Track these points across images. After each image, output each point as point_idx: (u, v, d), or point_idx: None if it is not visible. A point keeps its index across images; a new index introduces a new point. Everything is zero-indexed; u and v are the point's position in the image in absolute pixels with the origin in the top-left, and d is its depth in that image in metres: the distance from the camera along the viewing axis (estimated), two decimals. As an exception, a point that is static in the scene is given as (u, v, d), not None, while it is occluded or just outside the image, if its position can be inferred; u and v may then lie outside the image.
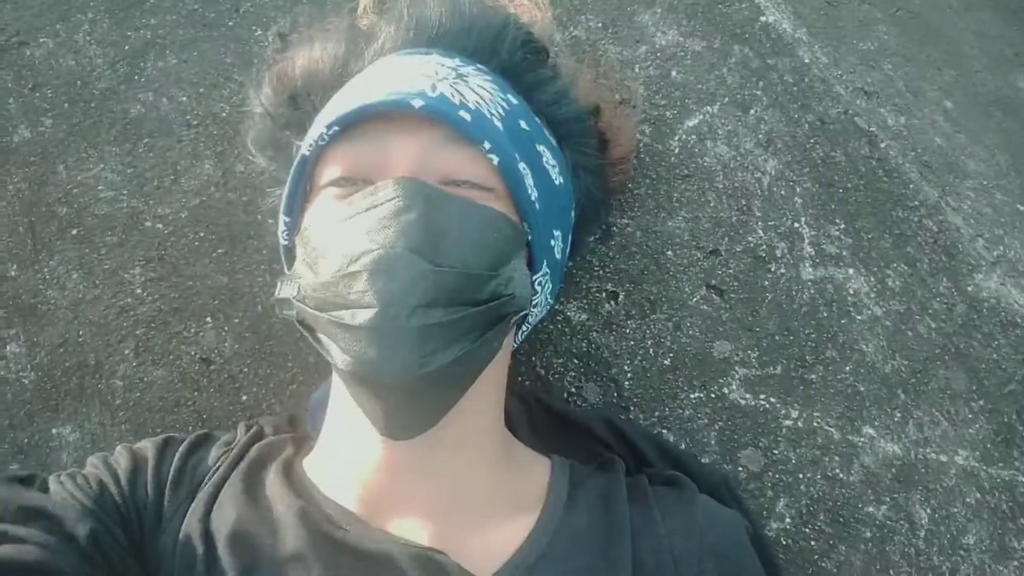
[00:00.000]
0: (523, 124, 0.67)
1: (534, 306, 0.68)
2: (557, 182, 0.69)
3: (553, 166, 0.69)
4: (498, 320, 0.61)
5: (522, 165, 0.64)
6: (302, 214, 0.67)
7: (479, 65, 0.69)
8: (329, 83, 0.70)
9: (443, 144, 0.62)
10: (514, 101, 0.68)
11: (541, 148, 0.68)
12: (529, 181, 0.64)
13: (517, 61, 0.72)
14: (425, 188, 0.59)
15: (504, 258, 0.62)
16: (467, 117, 0.61)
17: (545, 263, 0.67)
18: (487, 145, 0.62)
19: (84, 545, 0.57)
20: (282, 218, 0.69)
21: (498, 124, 0.64)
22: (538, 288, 0.67)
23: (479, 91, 0.65)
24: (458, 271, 0.57)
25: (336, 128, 0.62)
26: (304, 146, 0.64)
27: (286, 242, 0.70)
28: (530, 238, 0.65)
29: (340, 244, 0.58)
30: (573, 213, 0.74)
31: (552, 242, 0.68)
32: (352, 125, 0.62)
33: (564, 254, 0.73)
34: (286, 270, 0.72)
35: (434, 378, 0.57)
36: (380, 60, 0.69)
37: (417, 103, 0.60)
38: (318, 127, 0.64)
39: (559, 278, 0.73)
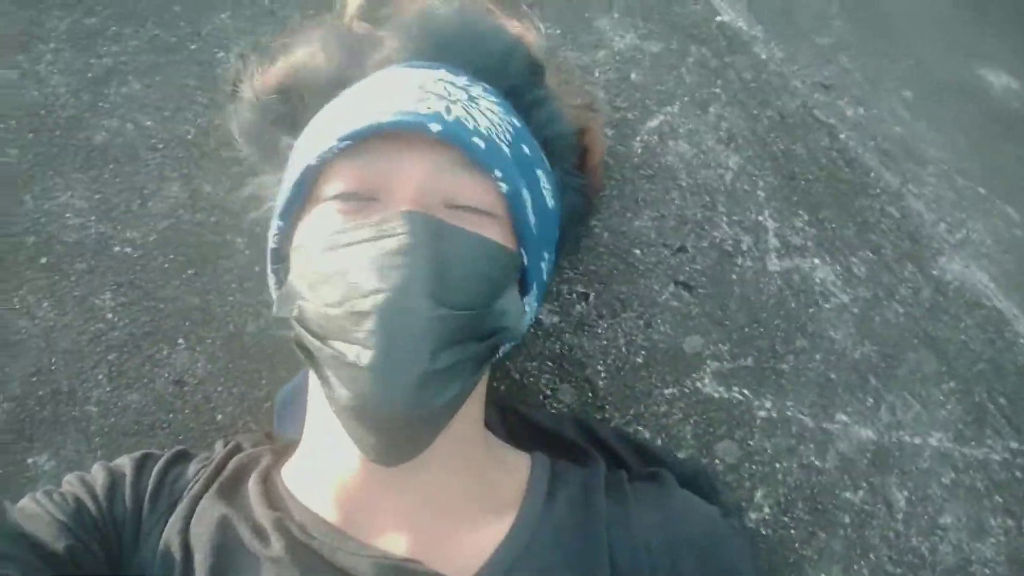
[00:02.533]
0: (526, 149, 0.67)
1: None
2: (550, 205, 0.70)
3: (547, 189, 0.70)
4: (493, 352, 0.62)
5: (525, 192, 0.64)
6: (296, 222, 0.66)
7: (485, 85, 0.69)
8: (326, 86, 0.69)
9: (452, 168, 0.61)
10: (517, 124, 0.68)
11: (539, 172, 0.69)
12: (529, 207, 0.65)
13: (521, 82, 0.72)
14: (432, 223, 0.58)
15: (500, 290, 0.62)
16: (481, 144, 0.61)
17: (535, 285, 0.68)
18: (498, 173, 0.62)
19: (61, 562, 0.56)
20: (276, 222, 0.67)
21: (507, 150, 0.64)
22: (528, 309, 0.68)
23: (489, 115, 0.64)
24: (465, 313, 0.57)
25: (348, 142, 0.61)
26: (311, 156, 0.62)
27: (275, 246, 0.69)
28: (526, 263, 0.66)
29: (345, 273, 0.57)
30: (558, 231, 0.75)
31: (542, 264, 0.69)
32: (362, 140, 0.62)
33: (550, 274, 0.73)
34: (269, 271, 0.71)
35: (431, 413, 0.58)
36: (384, 69, 0.68)
37: (435, 127, 0.59)
38: (327, 139, 0.62)
39: (543, 295, 0.73)
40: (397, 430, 0.58)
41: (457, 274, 0.58)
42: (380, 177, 0.61)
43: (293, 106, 0.71)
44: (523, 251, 0.65)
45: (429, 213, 0.59)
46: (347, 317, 0.56)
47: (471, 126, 0.62)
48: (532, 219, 0.65)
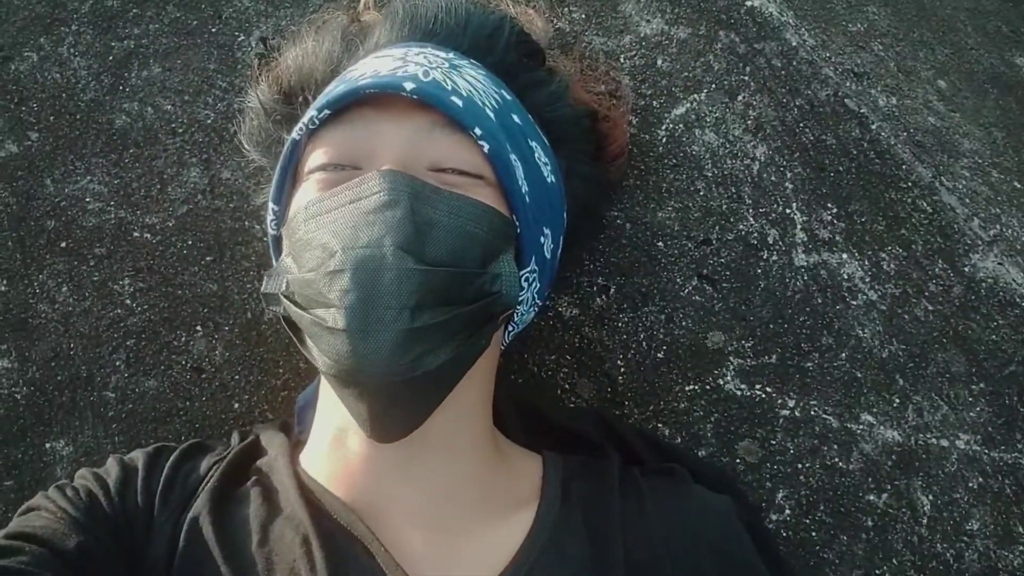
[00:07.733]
0: (515, 118, 0.66)
1: (520, 302, 0.66)
2: (548, 180, 0.69)
3: (545, 164, 0.69)
4: (487, 319, 0.60)
5: (513, 156, 0.63)
6: (290, 202, 0.66)
7: (473, 61, 0.69)
8: (322, 79, 0.70)
9: (433, 129, 0.61)
10: (507, 97, 0.68)
11: (533, 144, 0.68)
12: (520, 173, 0.64)
13: (511, 60, 0.71)
14: (412, 182, 0.57)
15: (493, 253, 0.60)
16: (459, 103, 0.61)
17: (534, 259, 0.66)
18: (478, 131, 0.61)
19: (74, 558, 0.56)
20: (271, 206, 0.68)
21: (490, 114, 0.63)
22: (525, 284, 0.66)
23: (472, 81, 0.64)
24: (446, 270, 0.56)
25: (327, 112, 0.62)
26: (294, 130, 0.64)
27: (274, 232, 0.69)
28: (519, 231, 0.64)
29: (322, 237, 0.56)
30: (565, 215, 0.74)
31: (542, 239, 0.67)
32: (343, 110, 0.62)
33: (555, 255, 0.72)
34: (274, 262, 0.71)
35: (420, 380, 0.55)
36: (372, 54, 0.69)
37: (409, 86, 0.59)
38: (309, 112, 0.63)
39: (549, 278, 0.72)
40: (384, 396, 0.56)
41: (439, 231, 0.56)
42: (361, 144, 0.61)
43: (296, 106, 0.72)
44: (516, 218, 0.63)
45: (408, 172, 0.58)
46: (322, 280, 0.55)
47: (449, 87, 0.61)
48: (524, 187, 0.64)
